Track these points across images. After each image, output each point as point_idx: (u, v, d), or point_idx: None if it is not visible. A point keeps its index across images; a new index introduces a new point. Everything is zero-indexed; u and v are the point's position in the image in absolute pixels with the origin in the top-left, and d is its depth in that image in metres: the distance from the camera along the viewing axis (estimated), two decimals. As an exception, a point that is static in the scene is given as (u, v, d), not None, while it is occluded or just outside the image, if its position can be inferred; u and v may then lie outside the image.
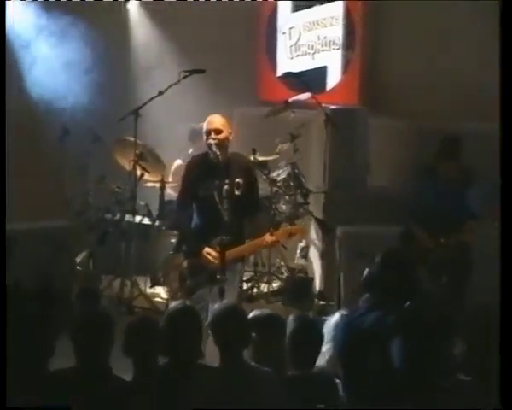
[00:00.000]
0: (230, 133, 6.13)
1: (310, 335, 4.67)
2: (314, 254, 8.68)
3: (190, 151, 8.46)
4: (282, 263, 8.55)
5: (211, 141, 6.07)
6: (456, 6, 8.04)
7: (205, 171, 6.11)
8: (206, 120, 6.21)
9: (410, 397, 3.91)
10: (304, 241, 8.84)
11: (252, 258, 7.81)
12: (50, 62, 8.78)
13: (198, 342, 4.69)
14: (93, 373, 4.44)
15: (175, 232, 7.88)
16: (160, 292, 8.04)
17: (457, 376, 4.00)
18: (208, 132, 6.11)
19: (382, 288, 4.51)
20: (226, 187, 5.93)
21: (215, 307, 4.73)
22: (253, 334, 4.54)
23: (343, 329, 4.41)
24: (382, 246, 7.04)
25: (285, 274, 8.49)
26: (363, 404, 4.01)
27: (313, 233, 8.66)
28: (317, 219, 7.88)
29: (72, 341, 4.55)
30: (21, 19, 8.63)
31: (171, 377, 4.49)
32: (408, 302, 4.33)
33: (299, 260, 8.81)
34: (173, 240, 7.95)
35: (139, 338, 4.56)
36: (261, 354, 4.56)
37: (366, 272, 4.78)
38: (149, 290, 8.08)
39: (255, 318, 4.71)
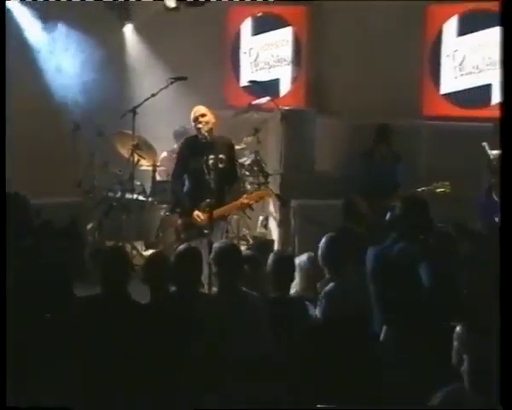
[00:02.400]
0: (214, 117, 6.18)
1: (285, 266, 4.78)
2: (272, 224, 8.69)
3: (175, 146, 8.45)
4: (248, 232, 8.58)
5: (199, 125, 6.13)
6: (384, 21, 8.09)
7: (195, 149, 6.17)
8: (193, 110, 6.26)
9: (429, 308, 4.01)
10: (263, 214, 8.87)
11: (224, 227, 7.79)
12: (64, 69, 8.72)
13: (199, 275, 4.78)
14: (115, 298, 4.44)
15: (164, 206, 7.92)
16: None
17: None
18: (196, 118, 6.17)
19: (403, 225, 4.55)
20: (212, 161, 6.02)
21: (217, 244, 4.74)
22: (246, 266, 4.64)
23: (374, 256, 4.46)
24: (328, 214, 7.27)
25: (250, 241, 8.52)
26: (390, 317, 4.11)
27: (271, 207, 8.69)
28: (275, 195, 7.91)
29: (98, 271, 4.57)
30: (32, 27, 8.52)
31: (178, 301, 4.57)
32: (422, 235, 4.36)
33: (260, 230, 8.80)
34: (162, 212, 7.99)
35: (155, 270, 4.64)
36: (249, 282, 4.66)
37: (389, 214, 4.82)
38: (144, 253, 8.04)
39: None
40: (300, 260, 5.12)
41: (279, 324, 4.42)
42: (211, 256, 4.59)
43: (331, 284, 4.78)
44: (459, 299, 4.03)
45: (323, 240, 4.96)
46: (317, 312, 4.74)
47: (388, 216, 4.83)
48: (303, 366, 3.91)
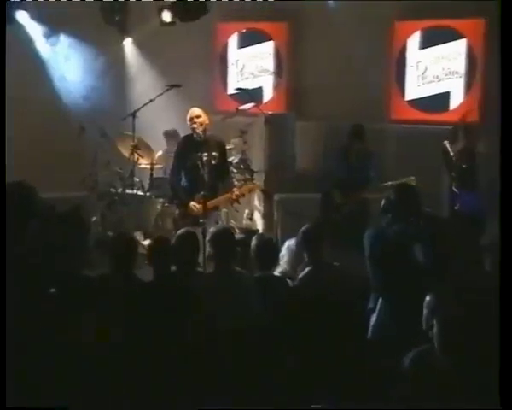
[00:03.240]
0: (207, 119, 6.22)
1: (266, 249, 4.82)
2: (257, 217, 8.74)
3: (165, 148, 8.48)
4: (235, 223, 8.59)
5: (194, 125, 6.15)
6: (356, 36, 8.13)
7: (191, 147, 6.20)
8: (189, 111, 6.29)
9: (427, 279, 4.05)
10: (249, 208, 8.89)
11: (216, 217, 7.82)
12: (71, 77, 8.74)
13: (197, 255, 4.83)
14: (123, 277, 4.52)
15: (160, 200, 7.94)
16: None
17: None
18: (191, 119, 6.19)
19: (396, 209, 4.59)
20: (205, 158, 6.06)
21: (213, 228, 4.79)
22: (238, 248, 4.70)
23: (372, 237, 4.49)
24: (307, 206, 7.32)
25: (237, 231, 8.52)
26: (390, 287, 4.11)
27: (256, 201, 8.73)
28: (261, 190, 7.95)
29: (108, 255, 4.61)
30: (43, 39, 8.45)
31: (178, 278, 4.63)
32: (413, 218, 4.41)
33: (246, 222, 8.83)
34: (159, 206, 7.97)
35: (158, 251, 4.68)
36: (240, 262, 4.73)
37: (384, 199, 4.83)
38: (143, 242, 8.02)
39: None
40: (290, 243, 5.17)
41: (264, 298, 4.47)
42: (207, 239, 4.65)
43: (307, 269, 4.79)
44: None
45: (302, 229, 4.96)
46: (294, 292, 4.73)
47: (383, 202, 4.86)
48: (285, 332, 3.99)
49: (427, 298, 3.76)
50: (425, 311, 3.74)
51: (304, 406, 3.53)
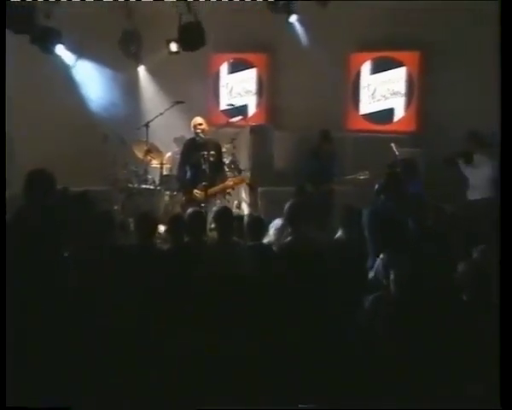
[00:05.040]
0: (207, 126, 6.37)
1: (256, 224, 4.97)
2: (244, 206, 8.86)
3: (176, 150, 8.60)
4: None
5: (197, 130, 6.32)
6: (321, 65, 8.23)
7: (194, 147, 6.36)
8: (193, 120, 6.46)
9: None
10: (237, 199, 8.99)
11: (215, 203, 7.79)
12: (97, 96, 8.80)
13: (204, 229, 4.97)
14: (144, 244, 4.61)
15: (168, 193, 7.96)
16: (160, 229, 8.06)
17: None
18: (195, 125, 6.36)
19: (388, 191, 4.72)
20: (205, 156, 6.23)
21: (215, 207, 4.93)
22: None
23: (369, 213, 4.59)
24: (285, 197, 7.37)
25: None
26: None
27: (243, 193, 8.85)
28: (247, 184, 8.09)
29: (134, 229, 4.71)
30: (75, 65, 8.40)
31: (190, 247, 4.74)
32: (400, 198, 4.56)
33: (235, 210, 8.87)
34: (167, 197, 7.91)
35: (173, 225, 4.83)
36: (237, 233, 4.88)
37: (377, 184, 4.88)
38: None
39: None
40: (276, 222, 5.32)
41: (256, 261, 4.57)
42: (212, 216, 4.79)
43: (289, 238, 4.92)
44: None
45: (288, 204, 5.07)
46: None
47: (377, 186, 4.98)
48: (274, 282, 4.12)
49: (381, 256, 3.96)
50: (380, 266, 3.94)
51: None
